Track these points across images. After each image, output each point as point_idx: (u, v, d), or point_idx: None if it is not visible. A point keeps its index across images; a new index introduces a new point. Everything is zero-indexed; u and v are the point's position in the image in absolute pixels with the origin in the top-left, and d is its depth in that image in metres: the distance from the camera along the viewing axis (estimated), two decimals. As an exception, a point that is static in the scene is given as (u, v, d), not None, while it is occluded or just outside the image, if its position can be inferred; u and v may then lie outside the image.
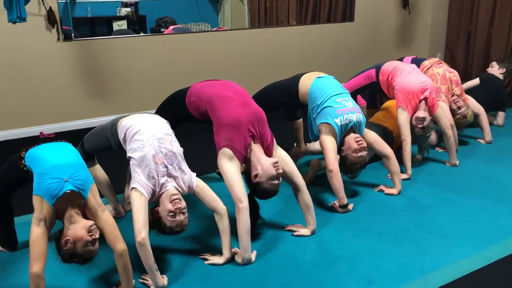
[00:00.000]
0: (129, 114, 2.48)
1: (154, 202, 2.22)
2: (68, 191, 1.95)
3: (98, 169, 2.72)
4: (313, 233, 2.62)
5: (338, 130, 2.84)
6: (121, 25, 6.09)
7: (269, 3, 6.48)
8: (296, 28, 5.85)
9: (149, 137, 2.25)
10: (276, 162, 2.38)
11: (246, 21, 6.46)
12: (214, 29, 6.02)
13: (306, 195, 2.57)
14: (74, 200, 1.99)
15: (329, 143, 2.82)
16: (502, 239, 2.56)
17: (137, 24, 6.15)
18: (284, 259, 2.40)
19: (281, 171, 2.38)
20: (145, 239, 2.05)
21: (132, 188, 2.16)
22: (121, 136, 2.37)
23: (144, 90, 4.77)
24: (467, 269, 2.30)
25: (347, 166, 2.91)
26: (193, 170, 2.39)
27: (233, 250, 2.37)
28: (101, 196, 2.79)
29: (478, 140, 4.11)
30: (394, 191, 3.13)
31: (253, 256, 2.37)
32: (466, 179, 3.35)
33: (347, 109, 2.88)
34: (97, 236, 1.97)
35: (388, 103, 3.95)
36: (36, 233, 1.92)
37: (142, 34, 5.99)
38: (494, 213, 2.84)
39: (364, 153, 2.86)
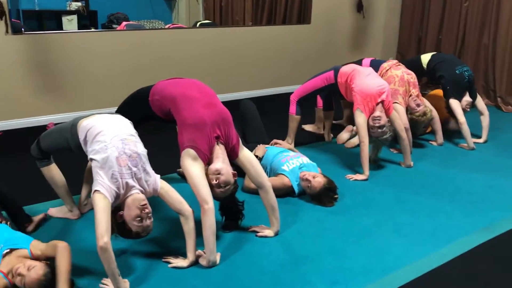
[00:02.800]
0: (90, 114, 2.37)
1: (117, 205, 2.13)
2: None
3: (54, 169, 2.59)
4: (276, 234, 2.62)
5: None
6: (71, 19, 5.86)
7: (225, 2, 6.43)
8: (252, 29, 5.85)
9: (112, 138, 2.16)
10: (216, 170, 2.33)
11: (201, 19, 6.39)
12: (166, 26, 5.91)
13: (271, 196, 2.56)
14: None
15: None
16: (458, 237, 2.65)
17: (88, 19, 5.94)
18: (249, 260, 2.38)
19: (215, 181, 2.33)
20: (107, 243, 1.96)
21: (95, 190, 2.06)
22: (81, 137, 2.26)
23: (97, 88, 4.61)
24: (427, 267, 2.37)
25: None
26: (154, 171, 2.32)
27: (197, 252, 2.33)
28: (57, 197, 2.69)
29: (431, 142, 4.25)
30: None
31: (218, 258, 2.33)
32: (422, 180, 3.45)
33: None
34: None
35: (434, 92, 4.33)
36: None
37: (93, 29, 5.80)
38: (450, 213, 2.95)
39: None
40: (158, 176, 2.28)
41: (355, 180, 3.41)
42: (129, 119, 2.46)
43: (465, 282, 2.29)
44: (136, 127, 2.61)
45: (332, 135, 4.29)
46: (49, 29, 5.54)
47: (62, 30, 5.54)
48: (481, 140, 4.31)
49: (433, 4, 6.09)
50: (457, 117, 4.08)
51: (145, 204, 2.11)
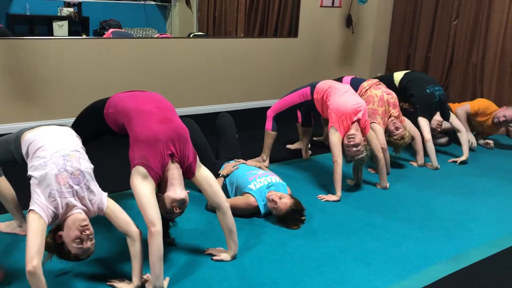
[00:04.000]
0: (35, 126, 2.26)
1: (57, 224, 2.02)
2: None
3: (2, 181, 2.48)
4: (234, 258, 2.49)
5: None
6: (62, 25, 5.81)
7: (218, 13, 6.39)
8: (241, 40, 5.77)
9: (53, 154, 2.05)
10: (180, 201, 2.25)
11: (195, 30, 6.34)
12: (156, 36, 5.85)
13: (229, 218, 2.44)
14: None
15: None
16: (424, 267, 2.53)
17: (79, 25, 5.88)
18: (200, 286, 2.25)
19: (178, 210, 2.27)
20: (36, 267, 1.84)
21: (30, 210, 1.94)
22: (23, 151, 2.15)
23: (72, 96, 4.50)
24: (386, 299, 2.25)
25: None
26: (108, 186, 2.21)
27: (144, 276, 2.20)
28: (6, 211, 2.57)
29: (411, 162, 4.14)
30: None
31: (165, 283, 2.20)
32: (395, 203, 3.34)
33: None
34: None
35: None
36: None
37: (84, 36, 5.74)
38: (419, 240, 2.82)
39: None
40: (105, 194, 2.16)
41: (327, 200, 3.29)
42: (83, 131, 2.36)
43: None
44: (92, 140, 2.51)
45: (310, 152, 4.18)
46: (40, 35, 5.49)
47: (53, 35, 5.49)
48: (463, 158, 4.22)
49: (422, 22, 6.02)
50: (423, 134, 4.03)
51: (86, 225, 1.99)
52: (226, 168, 3.16)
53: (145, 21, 6.30)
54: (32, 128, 2.23)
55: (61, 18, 5.74)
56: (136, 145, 2.26)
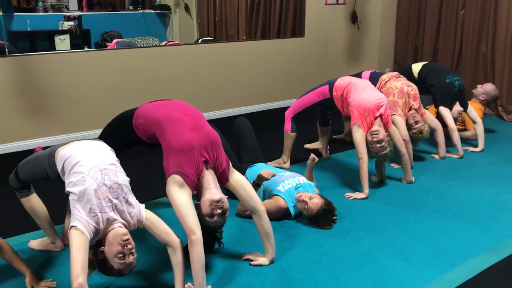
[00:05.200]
0: (68, 142, 2.23)
1: (98, 239, 1.99)
2: None
3: (34, 198, 2.45)
4: (272, 262, 2.46)
5: None
6: (64, 39, 5.79)
7: (218, 17, 6.37)
8: (246, 43, 5.74)
9: (90, 169, 2.02)
10: (218, 201, 2.20)
11: (195, 36, 6.32)
12: (162, 44, 5.82)
13: (265, 222, 2.41)
14: None
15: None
16: (464, 260, 2.50)
17: (80, 38, 5.87)
18: (242, 293, 2.23)
19: (218, 211, 2.21)
20: (82, 285, 1.81)
21: (72, 226, 1.92)
22: (59, 167, 2.12)
23: (89, 108, 4.47)
24: (433, 294, 2.22)
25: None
26: (140, 195, 2.18)
27: (187, 286, 2.17)
28: (38, 228, 2.54)
29: (432, 155, 4.11)
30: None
31: (208, 291, 2.18)
32: (423, 196, 3.31)
33: None
34: None
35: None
36: None
37: (86, 49, 5.71)
38: (454, 232, 2.80)
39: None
40: (143, 206, 2.14)
41: (354, 198, 3.26)
42: (112, 144, 2.33)
43: (474, 310, 2.14)
44: (121, 152, 2.49)
45: (329, 151, 4.15)
46: (42, 50, 5.47)
47: (55, 50, 5.47)
48: (478, 149, 4.21)
49: (428, 14, 6.00)
50: (447, 123, 4.02)
51: (128, 239, 1.96)
52: (260, 176, 3.10)
53: (145, 30, 6.29)
54: (65, 144, 2.21)
55: (63, 32, 5.72)
56: (170, 154, 2.23)
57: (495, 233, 2.79)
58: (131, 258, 1.97)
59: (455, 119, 4.14)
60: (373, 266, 2.46)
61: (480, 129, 4.23)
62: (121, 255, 1.94)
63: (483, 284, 2.32)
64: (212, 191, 2.23)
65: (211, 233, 2.46)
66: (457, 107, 4.19)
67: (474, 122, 4.25)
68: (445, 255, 2.55)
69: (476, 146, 4.26)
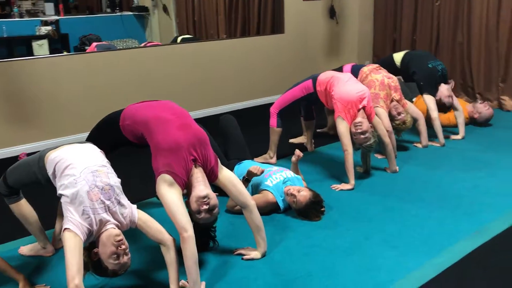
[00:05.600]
0: (58, 145, 2.24)
1: (91, 241, 2.00)
2: None
3: (24, 204, 2.44)
4: (264, 255, 2.50)
5: None
6: (42, 44, 5.73)
7: (198, 17, 6.37)
8: (227, 42, 5.76)
9: (82, 171, 2.03)
10: (204, 197, 2.22)
11: (176, 35, 6.31)
12: (142, 45, 5.81)
13: (256, 216, 2.45)
14: None
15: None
16: (450, 245, 2.57)
17: (59, 43, 5.81)
18: (236, 287, 2.26)
19: (205, 207, 2.22)
20: (79, 286, 1.83)
21: (65, 228, 1.93)
22: (49, 171, 2.13)
23: (72, 113, 4.45)
24: (421, 279, 2.28)
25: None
26: (131, 196, 2.20)
27: (181, 283, 2.20)
28: (28, 234, 2.54)
29: (415, 144, 4.20)
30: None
31: (203, 287, 2.21)
32: (408, 185, 3.38)
33: None
34: None
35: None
36: None
37: (66, 53, 5.66)
38: (439, 218, 2.87)
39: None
40: (135, 206, 2.15)
41: (341, 190, 3.32)
42: (100, 146, 2.34)
43: (462, 292, 2.21)
44: (109, 153, 2.49)
45: (314, 145, 4.21)
46: (20, 56, 5.39)
47: (33, 55, 5.40)
48: (459, 136, 4.31)
49: (405, 6, 6.09)
50: (430, 112, 4.10)
51: (121, 240, 1.97)
52: (249, 172, 3.13)
53: (124, 32, 6.25)
54: (54, 148, 2.21)
55: (40, 37, 5.65)
56: (159, 154, 2.25)
57: (478, 217, 2.87)
58: (125, 258, 1.98)
59: (448, 96, 4.15)
60: (363, 254, 2.51)
61: (461, 116, 4.33)
62: (115, 255, 1.96)
63: (469, 266, 2.39)
64: (200, 188, 2.25)
65: (205, 232, 2.49)
66: (444, 86, 4.18)
67: (455, 109, 4.33)
68: (431, 241, 2.62)
69: (457, 133, 4.35)
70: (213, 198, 2.26)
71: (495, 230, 2.71)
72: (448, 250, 2.52)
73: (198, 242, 2.40)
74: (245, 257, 2.49)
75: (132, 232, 2.21)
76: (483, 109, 4.63)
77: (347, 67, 4.15)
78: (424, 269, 2.36)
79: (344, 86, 3.43)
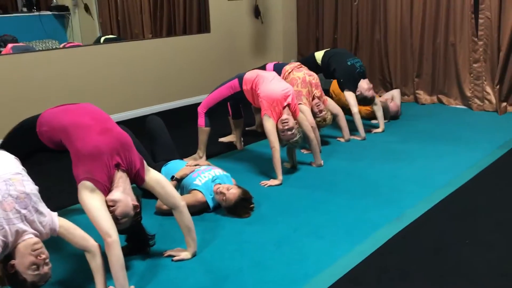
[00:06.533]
0: None
1: (7, 254, 1.90)
2: None
3: None
4: (194, 255, 2.50)
5: None
6: (-51, 45, 5.33)
7: (121, 16, 6.21)
8: (152, 41, 5.68)
9: None
10: (111, 201, 2.17)
11: (98, 35, 6.11)
12: (61, 46, 5.57)
13: (186, 217, 2.44)
14: None
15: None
16: (372, 232, 2.70)
17: (-30, 44, 5.44)
18: (166, 288, 2.25)
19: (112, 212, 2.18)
20: None
21: None
22: None
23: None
24: (347, 266, 2.38)
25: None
26: (52, 204, 2.11)
27: (108, 289, 2.15)
28: None
29: (338, 138, 4.36)
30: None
31: (132, 291, 2.18)
32: (333, 178, 3.51)
33: None
34: None
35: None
36: None
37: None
38: (362, 208, 3.01)
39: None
40: (55, 214, 2.06)
41: (270, 186, 3.39)
42: (16, 153, 2.22)
43: (384, 277, 2.33)
44: (26, 160, 2.38)
45: (243, 143, 4.25)
46: None
47: None
48: (379, 130, 4.53)
49: (326, 5, 6.31)
50: (350, 107, 4.31)
51: (40, 248, 1.88)
52: (181, 171, 3.11)
53: (44, 33, 5.96)
54: None
55: None
56: (79, 161, 2.19)
57: (398, 204, 3.04)
58: (45, 269, 1.89)
59: (369, 89, 4.33)
60: (291, 246, 2.58)
61: (380, 111, 4.56)
62: (34, 266, 1.86)
63: (390, 251, 2.53)
64: (114, 193, 2.19)
65: (140, 236, 2.45)
66: (364, 82, 4.37)
67: (374, 104, 4.55)
68: (356, 229, 2.74)
69: (377, 127, 4.58)
70: (122, 206, 2.19)
71: (413, 216, 2.88)
72: (371, 237, 2.65)
73: (135, 245, 2.38)
74: (175, 258, 2.47)
75: (54, 241, 2.13)
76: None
77: (270, 65, 4.24)
78: (349, 257, 2.46)
79: (269, 84, 3.50)
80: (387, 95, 5.18)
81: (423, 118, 5.03)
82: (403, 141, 4.30)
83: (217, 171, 3.12)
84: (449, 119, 4.96)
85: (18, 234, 1.89)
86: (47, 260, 1.90)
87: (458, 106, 5.40)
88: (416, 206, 3.02)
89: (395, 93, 5.21)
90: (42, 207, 2.01)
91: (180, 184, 3.07)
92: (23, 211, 1.92)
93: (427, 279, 2.29)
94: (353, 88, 4.36)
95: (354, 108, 4.30)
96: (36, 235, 1.94)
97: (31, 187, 2.01)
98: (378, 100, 4.58)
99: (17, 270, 1.86)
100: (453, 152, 3.95)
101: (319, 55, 4.62)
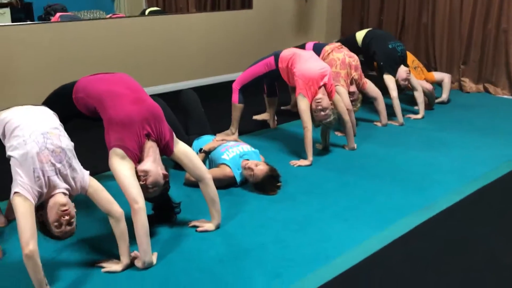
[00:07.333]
0: (9, 107, 2.20)
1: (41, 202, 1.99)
2: None
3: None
4: (217, 227, 2.55)
5: None
6: (4, 13, 5.54)
7: (167, -11, 6.26)
8: (196, 16, 5.70)
9: (32, 132, 1.99)
10: (143, 171, 2.23)
11: (144, 7, 6.19)
12: (107, 16, 5.68)
13: (211, 189, 2.48)
14: None
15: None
16: (398, 218, 2.67)
17: (23, 12, 5.63)
18: (188, 258, 2.30)
19: (141, 182, 2.23)
20: (33, 251, 1.83)
21: (15, 192, 1.90)
22: None
23: (32, 84, 4.35)
24: (368, 251, 2.36)
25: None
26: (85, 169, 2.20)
27: (132, 254, 2.22)
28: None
29: (375, 123, 4.28)
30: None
31: (154, 258, 2.24)
32: (363, 162, 3.46)
33: None
34: None
35: None
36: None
37: (29, 22, 5.49)
38: (390, 194, 2.96)
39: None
40: (87, 172, 2.13)
41: (299, 166, 3.38)
42: (54, 114, 2.31)
43: (406, 263, 2.30)
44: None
45: (276, 122, 4.25)
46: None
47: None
48: (419, 116, 4.42)
49: (373, -15, 6.13)
50: (389, 92, 4.20)
51: (66, 210, 1.95)
52: (209, 144, 3.16)
53: (92, 3, 6.09)
54: (6, 109, 2.17)
55: (2, 6, 5.46)
56: (111, 128, 2.25)
57: (429, 193, 2.98)
58: (67, 228, 1.97)
59: (406, 79, 4.26)
60: (315, 227, 2.59)
61: (421, 97, 4.43)
62: (57, 223, 1.95)
63: (415, 238, 2.49)
64: (145, 163, 2.26)
65: (167, 205, 2.52)
66: (403, 68, 4.28)
67: (415, 89, 4.42)
68: (380, 215, 2.71)
69: (417, 113, 4.46)
70: (153, 175, 2.25)
71: (442, 205, 2.82)
72: (396, 223, 2.62)
73: (161, 214, 2.44)
74: (199, 229, 2.53)
75: (87, 204, 2.21)
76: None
77: (310, 44, 4.18)
78: (371, 241, 2.44)
79: (305, 63, 3.46)
80: (437, 76, 4.92)
81: (466, 107, 4.86)
82: (441, 129, 4.18)
83: (245, 147, 3.14)
84: (494, 109, 4.77)
85: (52, 186, 1.97)
86: (72, 221, 1.97)
87: (505, 97, 5.17)
88: (446, 196, 2.94)
89: (446, 79, 4.90)
90: (76, 163, 2.08)
91: (207, 156, 3.11)
92: (58, 165, 1.99)
93: (451, 269, 2.25)
94: (393, 72, 4.25)
95: (393, 92, 4.19)
96: (67, 190, 2.01)
97: (67, 143, 2.08)
98: (419, 85, 4.45)
99: (45, 221, 1.96)
100: (493, 144, 3.80)
101: (360, 36, 4.51)
